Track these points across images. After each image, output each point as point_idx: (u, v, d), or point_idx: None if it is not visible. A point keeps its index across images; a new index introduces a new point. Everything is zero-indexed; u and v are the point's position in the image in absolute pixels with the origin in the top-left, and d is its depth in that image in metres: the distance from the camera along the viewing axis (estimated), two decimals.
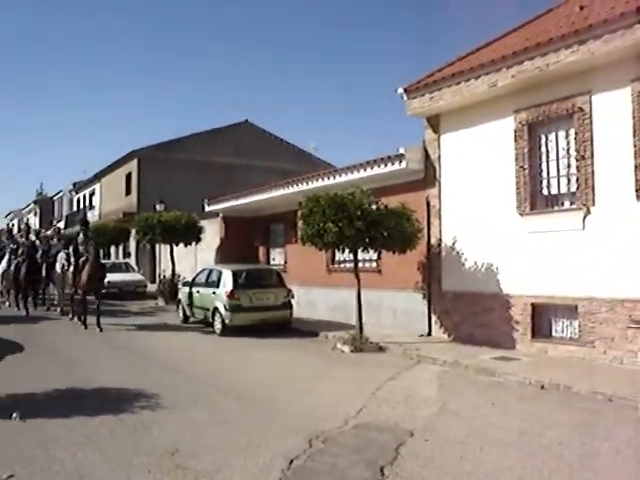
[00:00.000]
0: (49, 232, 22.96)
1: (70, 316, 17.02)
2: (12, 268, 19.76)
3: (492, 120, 12.08)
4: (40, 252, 20.12)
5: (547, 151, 11.32)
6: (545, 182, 11.37)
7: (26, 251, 19.71)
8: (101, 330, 14.60)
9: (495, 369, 9.65)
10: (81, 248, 15.98)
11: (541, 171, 11.40)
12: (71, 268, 16.20)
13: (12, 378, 9.19)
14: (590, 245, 10.30)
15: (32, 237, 22.41)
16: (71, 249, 16.67)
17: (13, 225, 29.30)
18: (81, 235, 16.37)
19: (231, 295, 14.28)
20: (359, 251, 12.74)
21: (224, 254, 22.43)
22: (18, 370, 9.93)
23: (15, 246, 20.99)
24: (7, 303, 21.24)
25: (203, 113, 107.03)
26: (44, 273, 19.78)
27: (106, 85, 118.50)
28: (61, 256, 18.29)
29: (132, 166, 34.30)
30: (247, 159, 33.89)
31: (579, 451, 5.84)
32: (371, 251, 13.27)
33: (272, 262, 20.90)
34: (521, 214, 11.47)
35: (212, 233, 23.42)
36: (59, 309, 19.06)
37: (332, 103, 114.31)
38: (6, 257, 20.94)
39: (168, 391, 8.29)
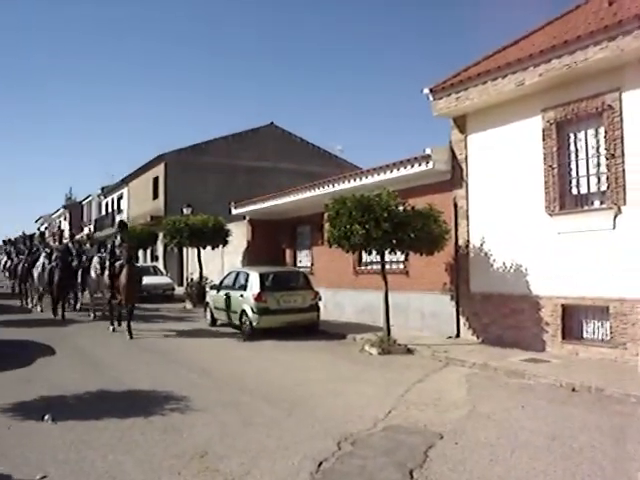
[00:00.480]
0: (81, 236, 23.60)
1: (98, 317, 17.12)
2: (46, 273, 19.40)
3: (519, 119, 11.95)
4: (74, 257, 19.75)
5: (576, 150, 11.16)
6: (574, 181, 11.21)
7: (60, 256, 19.31)
8: (131, 337, 14.17)
9: (525, 371, 9.54)
10: (117, 251, 15.67)
11: (570, 170, 11.25)
12: (106, 272, 15.96)
13: (44, 380, 9.32)
14: (621, 245, 10.12)
15: (65, 241, 22.54)
16: (106, 253, 16.52)
17: (46, 229, 29.20)
18: (118, 238, 16.02)
19: (258, 298, 14.32)
20: (386, 253, 12.69)
21: (251, 257, 22.53)
22: (49, 372, 10.07)
23: (49, 250, 20.78)
24: (39, 307, 21.18)
25: (229, 117, 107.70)
26: (79, 278, 19.63)
27: (133, 92, 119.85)
28: (95, 261, 18.29)
29: (159, 170, 34.63)
30: (273, 162, 34.02)
31: (612, 455, 5.74)
32: (398, 253, 13.20)
33: (299, 264, 20.92)
34: (550, 214, 11.32)
35: (239, 236, 23.53)
36: (92, 314, 18.95)
37: (358, 104, 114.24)
38: (40, 261, 20.58)
39: (197, 393, 8.35)
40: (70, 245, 20.87)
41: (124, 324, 15.06)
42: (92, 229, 43.20)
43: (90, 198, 55.23)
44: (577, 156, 11.14)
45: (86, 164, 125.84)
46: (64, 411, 7.38)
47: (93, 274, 18.36)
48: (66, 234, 27.93)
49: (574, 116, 10.94)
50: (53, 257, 19.59)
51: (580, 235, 10.77)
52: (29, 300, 22.79)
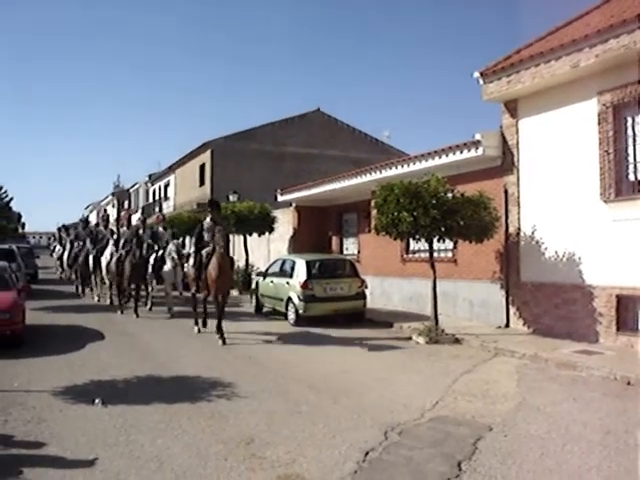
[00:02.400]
0: (154, 220, 19.67)
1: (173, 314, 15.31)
2: (113, 262, 17.30)
3: (574, 103, 11.57)
4: (145, 243, 16.89)
5: (634, 134, 10.74)
6: (632, 167, 10.80)
7: (130, 243, 16.79)
8: (224, 343, 11.57)
9: (577, 363, 9.27)
10: (206, 236, 12.67)
11: (627, 155, 10.84)
12: (191, 261, 13.43)
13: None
14: None
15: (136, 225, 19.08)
16: (193, 237, 13.57)
17: (107, 214, 26.60)
18: (208, 220, 13.00)
19: (305, 285, 14.31)
20: (434, 240, 12.50)
21: (297, 244, 22.54)
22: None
23: (116, 237, 18.37)
24: (108, 300, 18.60)
25: (275, 103, 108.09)
26: (150, 268, 16.72)
27: (181, 79, 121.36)
28: (171, 248, 16.24)
29: (205, 157, 34.89)
30: (319, 148, 33.92)
31: None
32: (447, 240, 12.98)
33: (345, 252, 20.85)
34: (605, 201, 10.95)
35: (285, 223, 23.57)
36: (169, 312, 16.23)
37: (406, 89, 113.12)
38: (109, 249, 18.24)
39: (243, 380, 8.39)
40: (140, 230, 17.55)
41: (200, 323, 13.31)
42: (140, 216, 44.01)
43: (137, 185, 56.14)
44: (635, 141, 10.72)
45: (134, 152, 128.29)
46: (114, 395, 7.50)
47: (169, 264, 16.17)
48: (134, 218, 24.29)
49: (632, 99, 10.52)
50: (121, 244, 17.22)
51: (637, 223, 10.38)
52: (94, 293, 20.33)
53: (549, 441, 5.85)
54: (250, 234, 23.25)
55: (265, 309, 16.84)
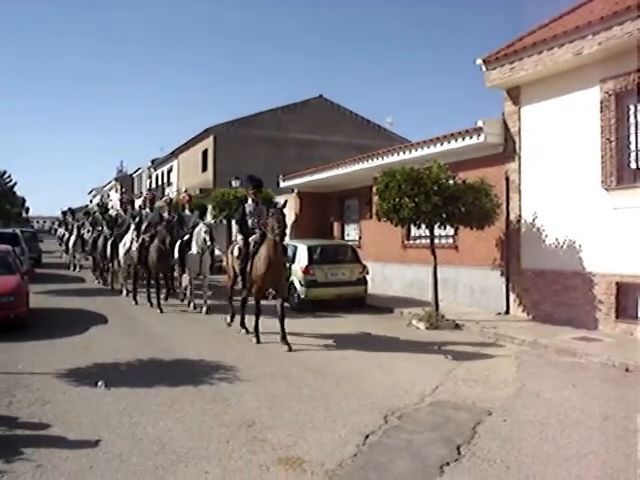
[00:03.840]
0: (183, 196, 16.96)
1: (228, 320, 11.99)
2: (135, 248, 15.48)
3: (576, 90, 11.55)
4: (169, 226, 14.47)
5: (636, 122, 10.73)
6: (633, 155, 10.80)
7: (153, 225, 15.03)
8: (290, 349, 9.60)
9: (576, 350, 9.34)
10: (250, 221, 11.04)
11: (629, 143, 10.84)
12: (235, 251, 11.21)
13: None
14: None
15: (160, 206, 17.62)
16: (237, 223, 11.45)
17: (127, 197, 23.53)
18: (249, 202, 11.37)
19: (306, 270, 14.37)
20: (435, 227, 12.53)
21: (299, 229, 22.56)
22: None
23: (138, 219, 16.11)
24: (124, 291, 16.85)
25: (278, 90, 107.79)
26: (175, 254, 14.60)
27: (182, 64, 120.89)
28: (201, 229, 13.96)
29: (208, 143, 34.85)
30: (322, 135, 33.86)
31: None
32: (448, 227, 13.01)
33: (347, 238, 20.87)
34: (606, 189, 10.97)
35: (287, 208, 23.48)
36: (191, 304, 14.61)
37: (408, 76, 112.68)
38: (129, 235, 16.42)
39: (245, 364, 8.46)
40: (165, 213, 15.59)
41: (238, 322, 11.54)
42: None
43: (140, 171, 56.17)
44: (636, 129, 10.71)
45: (138, 138, 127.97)
46: (117, 378, 7.58)
47: (194, 248, 14.10)
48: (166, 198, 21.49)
49: (634, 87, 10.50)
50: (143, 228, 15.49)
51: (637, 211, 10.41)
52: (114, 283, 18.40)
53: (548, 426, 5.92)
54: None
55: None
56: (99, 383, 7.23)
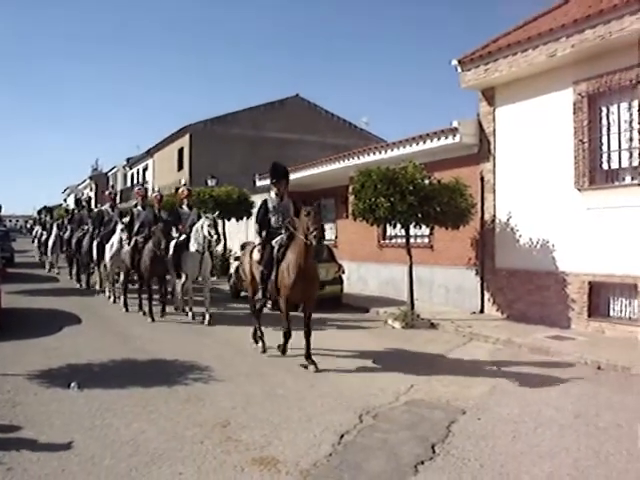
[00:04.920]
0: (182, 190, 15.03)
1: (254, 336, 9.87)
2: (126, 251, 13.73)
3: (550, 92, 11.68)
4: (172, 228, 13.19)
5: (608, 124, 10.90)
6: (605, 156, 10.97)
7: (146, 225, 13.34)
8: (317, 369, 8.17)
9: (549, 348, 9.45)
10: (273, 219, 9.28)
11: (601, 145, 11.00)
12: (255, 255, 9.24)
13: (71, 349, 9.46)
14: None
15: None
16: (256, 223, 9.36)
17: (114, 193, 21.47)
18: (273, 196, 9.56)
19: None
20: (411, 226, 12.59)
21: None
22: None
23: (129, 218, 14.25)
24: (114, 298, 15.31)
25: (254, 89, 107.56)
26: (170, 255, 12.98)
27: (158, 63, 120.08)
28: (203, 223, 12.38)
29: (184, 141, 34.65)
30: (298, 134, 33.85)
31: (638, 434, 5.66)
32: (423, 226, 13.08)
33: None
34: (579, 189, 11.11)
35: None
36: (189, 313, 13.07)
37: (384, 77, 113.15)
38: (117, 235, 14.60)
39: (220, 363, 8.41)
40: (156, 211, 14.04)
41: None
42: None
43: (115, 169, 55.63)
44: (609, 130, 10.88)
45: (113, 136, 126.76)
46: (90, 379, 7.48)
47: (193, 247, 12.57)
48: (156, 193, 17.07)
49: (607, 89, 10.66)
50: (136, 228, 13.75)
51: (610, 211, 10.56)
52: (101, 287, 16.90)
53: (521, 424, 5.97)
54: (228, 219, 23.14)
55: (242, 293, 16.81)
56: (72, 384, 7.12)
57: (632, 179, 10.47)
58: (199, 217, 13.51)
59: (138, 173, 46.84)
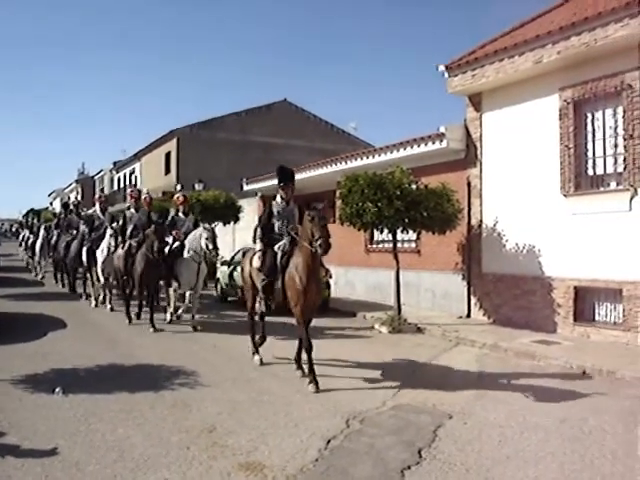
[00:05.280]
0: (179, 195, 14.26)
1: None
2: (119, 255, 13.10)
3: (536, 98, 11.78)
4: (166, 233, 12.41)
5: (593, 130, 11.01)
6: (590, 162, 11.07)
7: (140, 228, 12.72)
8: (317, 389, 7.30)
9: (535, 353, 9.49)
10: (277, 224, 8.61)
11: (586, 151, 11.10)
12: (255, 261, 8.50)
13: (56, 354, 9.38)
14: (637, 227, 10.01)
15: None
16: (259, 227, 8.73)
17: (104, 195, 19.76)
18: (279, 200, 8.81)
19: None
20: (398, 231, 12.62)
21: None
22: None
23: (122, 221, 13.58)
24: (107, 305, 14.56)
25: (242, 94, 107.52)
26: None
27: (146, 68, 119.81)
28: (200, 234, 11.94)
29: (171, 145, 34.56)
30: (286, 138, 33.86)
31: (623, 438, 5.70)
32: (410, 231, 13.12)
33: None
34: (565, 195, 11.20)
35: (251, 212, 23.48)
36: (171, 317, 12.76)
37: (373, 82, 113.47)
38: (107, 239, 14.08)
39: (207, 369, 8.37)
40: (152, 213, 13.48)
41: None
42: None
43: (102, 173, 55.38)
44: (594, 136, 10.98)
45: (100, 140, 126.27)
46: (75, 384, 7.42)
47: (187, 255, 12.09)
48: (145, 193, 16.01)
49: (592, 95, 10.76)
50: (129, 231, 13.11)
51: (595, 217, 10.65)
52: (92, 297, 15.56)
53: (507, 429, 5.98)
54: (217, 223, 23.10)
55: (230, 298, 16.79)
56: (56, 389, 7.06)
57: (617, 185, 10.57)
58: (195, 224, 13.11)
59: (125, 177, 46.65)
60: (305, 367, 7.95)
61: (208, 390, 7.31)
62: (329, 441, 5.54)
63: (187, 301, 13.31)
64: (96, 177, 58.38)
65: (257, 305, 8.83)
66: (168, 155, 35.31)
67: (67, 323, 12.34)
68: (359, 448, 5.40)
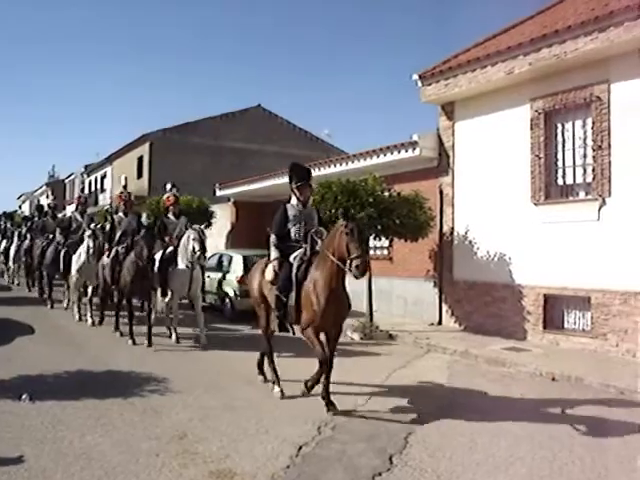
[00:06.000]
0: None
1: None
2: (103, 264, 12.19)
3: (508, 108, 11.93)
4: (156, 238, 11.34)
5: (563, 140, 11.19)
6: (560, 172, 11.25)
7: (129, 234, 11.65)
8: (332, 408, 6.70)
9: (506, 360, 9.59)
10: (293, 230, 7.46)
11: (556, 160, 11.28)
12: (268, 273, 7.41)
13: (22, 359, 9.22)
14: (605, 236, 10.18)
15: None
16: (273, 228, 7.49)
17: (84, 196, 18.44)
18: (294, 202, 7.61)
19: (241, 280, 14.19)
20: (370, 238, 12.65)
21: (235, 239, 22.41)
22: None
23: (110, 225, 12.75)
24: (89, 318, 12.88)
25: (215, 99, 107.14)
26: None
27: (116, 71, 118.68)
28: (190, 236, 10.93)
29: (144, 149, 34.28)
30: (259, 144, 33.80)
31: (590, 444, 5.79)
32: (383, 238, 13.17)
33: None
34: (535, 204, 11.35)
35: (223, 218, 23.39)
36: (172, 333, 11.46)
37: (347, 89, 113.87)
38: (84, 244, 12.97)
39: (178, 375, 8.30)
40: (143, 217, 13.12)
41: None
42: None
43: (73, 176, 54.63)
44: (564, 146, 11.16)
45: (71, 142, 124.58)
46: (42, 390, 7.29)
47: (182, 263, 11.08)
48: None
49: (562, 106, 10.95)
50: (117, 236, 12.13)
51: (564, 225, 10.82)
52: (73, 308, 13.88)
53: (477, 435, 6.02)
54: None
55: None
56: (23, 396, 6.93)
57: (586, 194, 10.74)
58: (187, 227, 11.81)
59: (96, 180, 46.09)
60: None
61: (179, 397, 7.24)
62: (300, 448, 5.53)
63: (162, 310, 12.38)
64: (67, 180, 57.60)
65: (271, 324, 7.76)
66: (141, 159, 35.00)
67: (35, 328, 12.14)
68: (330, 455, 5.40)
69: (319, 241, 7.08)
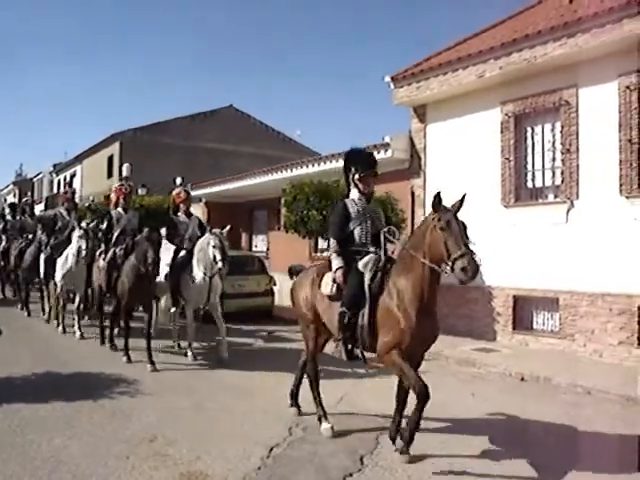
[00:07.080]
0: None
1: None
2: (98, 267, 10.69)
3: (479, 111, 12.05)
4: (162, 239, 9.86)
5: (533, 144, 11.34)
6: (530, 175, 11.41)
7: (129, 234, 10.42)
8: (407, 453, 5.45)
9: (476, 360, 9.69)
10: (357, 231, 6.25)
11: (526, 163, 11.43)
12: (326, 287, 5.99)
13: None
14: (573, 239, 10.34)
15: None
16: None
17: (71, 192, 14.82)
18: (356, 195, 6.62)
19: None
20: None
21: None
22: None
23: (107, 223, 10.92)
24: (78, 332, 11.51)
25: (187, 98, 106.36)
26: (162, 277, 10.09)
27: (90, 68, 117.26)
28: (209, 242, 9.61)
29: (114, 149, 33.90)
30: (232, 144, 33.64)
31: (561, 442, 5.88)
32: None
33: (255, 249, 20.80)
34: (505, 206, 11.49)
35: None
36: (189, 353, 9.97)
37: (318, 90, 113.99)
38: (73, 245, 11.39)
39: (148, 377, 8.24)
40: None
41: None
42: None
43: (41, 175, 53.82)
44: (533, 150, 11.32)
45: (39, 142, 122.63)
46: (9, 393, 7.18)
47: (200, 272, 9.70)
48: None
49: (532, 110, 11.10)
50: (114, 237, 10.60)
51: (534, 228, 10.96)
52: (58, 319, 12.36)
53: (448, 435, 6.08)
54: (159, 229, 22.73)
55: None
56: None
57: (555, 197, 10.91)
58: (201, 227, 10.68)
59: (65, 179, 45.46)
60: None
61: (149, 399, 7.19)
62: (272, 449, 5.53)
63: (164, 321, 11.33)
64: (35, 179, 56.72)
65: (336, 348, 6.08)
66: (111, 158, 34.60)
67: (2, 330, 11.88)
68: (302, 456, 5.40)
69: (394, 243, 5.96)
